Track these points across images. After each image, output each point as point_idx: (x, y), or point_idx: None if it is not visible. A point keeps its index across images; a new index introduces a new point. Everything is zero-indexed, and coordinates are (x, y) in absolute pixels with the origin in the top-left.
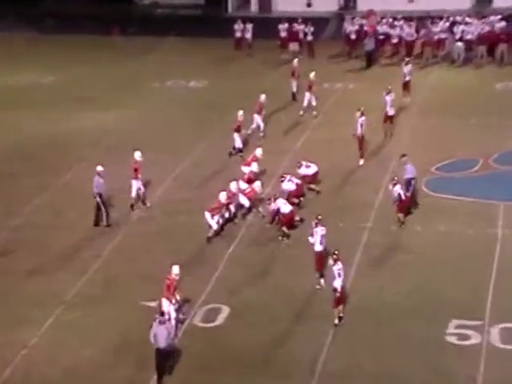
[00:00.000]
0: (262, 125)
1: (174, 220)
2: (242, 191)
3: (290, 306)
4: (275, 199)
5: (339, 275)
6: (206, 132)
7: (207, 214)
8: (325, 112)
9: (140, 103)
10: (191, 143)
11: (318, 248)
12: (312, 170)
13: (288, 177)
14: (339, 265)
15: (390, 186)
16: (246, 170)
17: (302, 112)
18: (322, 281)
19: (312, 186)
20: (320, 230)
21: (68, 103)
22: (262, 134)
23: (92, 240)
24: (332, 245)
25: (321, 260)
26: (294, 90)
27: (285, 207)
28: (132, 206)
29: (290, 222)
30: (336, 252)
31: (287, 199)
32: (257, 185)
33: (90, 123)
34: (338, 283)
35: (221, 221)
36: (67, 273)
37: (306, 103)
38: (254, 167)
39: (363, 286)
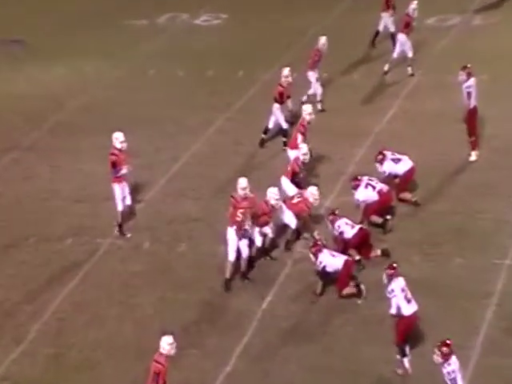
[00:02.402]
0: (320, 90)
1: (170, 251)
2: (287, 202)
3: None
4: (316, 250)
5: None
6: (224, 102)
7: (231, 231)
8: (428, 67)
9: (115, 53)
10: (199, 121)
11: (407, 311)
12: (404, 166)
13: (365, 179)
14: (455, 363)
15: None
16: (292, 154)
17: (387, 67)
18: (406, 362)
19: (405, 194)
20: (399, 285)
21: None
22: (320, 107)
23: (30, 286)
24: (446, 294)
25: (405, 330)
26: (380, 28)
27: (333, 261)
28: (120, 227)
29: (344, 285)
30: (448, 342)
31: (363, 219)
32: (311, 192)
33: (26, 85)
34: None
35: (246, 252)
36: None
37: (397, 52)
38: (304, 151)
39: (497, 364)
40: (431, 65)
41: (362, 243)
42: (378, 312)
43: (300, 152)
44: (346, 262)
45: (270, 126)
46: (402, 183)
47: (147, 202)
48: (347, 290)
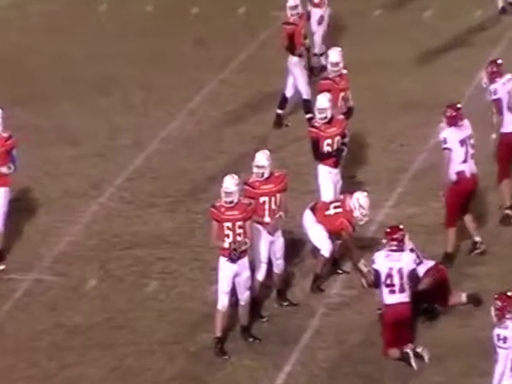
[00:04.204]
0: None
1: (132, 293)
2: (318, 213)
3: None
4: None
5: None
6: (217, 55)
7: (224, 264)
8: None
9: None
10: (178, 85)
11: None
12: None
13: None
14: None
15: None
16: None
17: (501, 1)
18: None
19: (504, 186)
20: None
21: None
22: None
23: None
24: None
25: None
26: None
27: (389, 297)
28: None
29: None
30: None
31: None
32: (358, 200)
33: None
34: None
35: (245, 296)
36: None
37: None
38: (323, 105)
39: None
40: None
41: (436, 285)
42: None
43: (316, 107)
44: (405, 305)
45: (288, 94)
46: (501, 154)
47: (95, 213)
48: (393, 353)
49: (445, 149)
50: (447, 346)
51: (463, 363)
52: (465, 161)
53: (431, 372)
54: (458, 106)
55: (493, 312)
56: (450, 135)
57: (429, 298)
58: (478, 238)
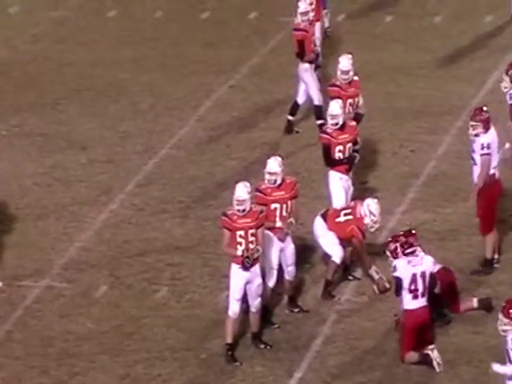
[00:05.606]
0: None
1: (141, 300)
2: (330, 220)
3: None
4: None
5: None
6: (227, 60)
7: (236, 271)
8: None
9: None
10: (188, 90)
11: None
12: None
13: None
14: None
15: None
16: None
17: None
18: None
19: None
20: None
21: None
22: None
23: None
24: None
25: None
26: None
27: (412, 303)
28: None
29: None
30: None
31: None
32: (368, 207)
33: None
34: None
35: (256, 303)
36: None
37: None
38: (335, 111)
39: None
40: None
41: (445, 291)
42: None
43: (328, 114)
44: (424, 310)
45: (300, 100)
46: None
47: (105, 219)
48: (411, 357)
49: (486, 154)
50: (459, 351)
51: (475, 369)
52: (495, 165)
53: (443, 378)
54: (485, 108)
55: (503, 324)
56: (493, 139)
57: (439, 303)
58: (495, 256)
